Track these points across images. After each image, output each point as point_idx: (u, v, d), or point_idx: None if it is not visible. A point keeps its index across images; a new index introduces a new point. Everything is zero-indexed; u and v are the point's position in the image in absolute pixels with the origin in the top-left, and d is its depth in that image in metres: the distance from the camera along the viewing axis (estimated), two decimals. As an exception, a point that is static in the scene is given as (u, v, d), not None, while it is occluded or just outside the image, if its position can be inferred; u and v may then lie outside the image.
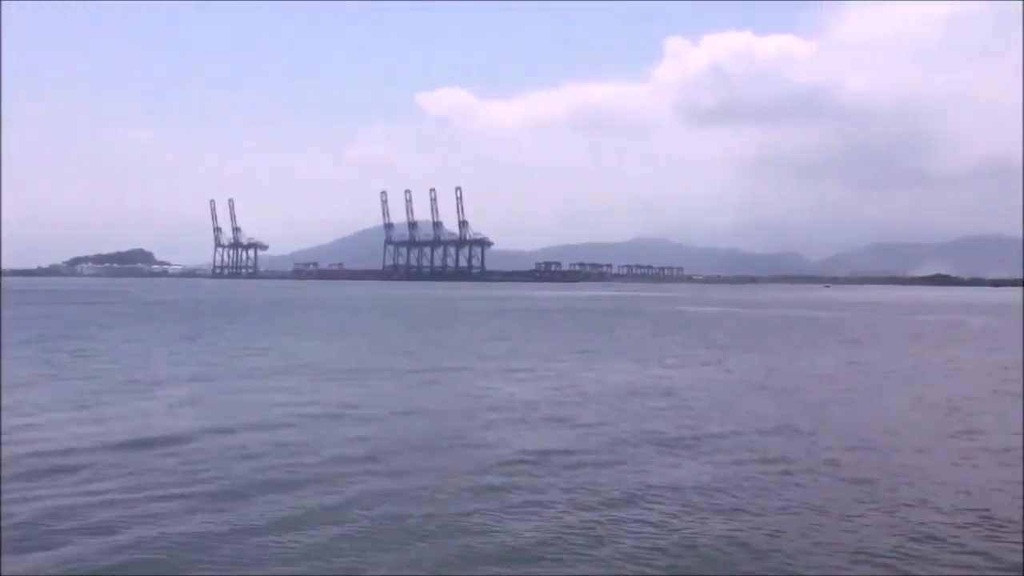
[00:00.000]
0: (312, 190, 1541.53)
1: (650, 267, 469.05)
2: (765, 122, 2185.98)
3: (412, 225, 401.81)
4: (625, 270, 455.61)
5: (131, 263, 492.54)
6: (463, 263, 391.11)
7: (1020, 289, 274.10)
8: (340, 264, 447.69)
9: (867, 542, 10.63)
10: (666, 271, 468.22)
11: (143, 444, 16.30)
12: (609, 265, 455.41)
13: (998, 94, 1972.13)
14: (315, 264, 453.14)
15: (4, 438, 16.38)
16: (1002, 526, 11.41)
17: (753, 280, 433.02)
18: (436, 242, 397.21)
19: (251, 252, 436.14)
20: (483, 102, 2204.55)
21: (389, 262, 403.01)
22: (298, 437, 17.36)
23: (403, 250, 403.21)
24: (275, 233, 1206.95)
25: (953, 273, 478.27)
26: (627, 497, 12.73)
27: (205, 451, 15.81)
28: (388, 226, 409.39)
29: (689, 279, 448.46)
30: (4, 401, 20.84)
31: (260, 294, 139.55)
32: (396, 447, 16.26)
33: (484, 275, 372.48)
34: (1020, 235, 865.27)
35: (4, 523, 11.09)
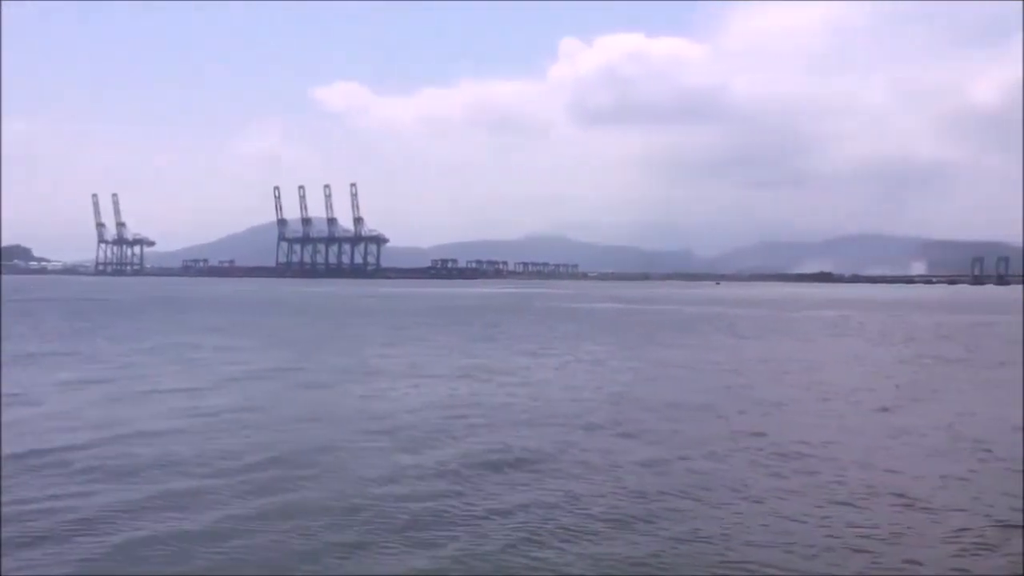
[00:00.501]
0: (203, 186, 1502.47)
1: (546, 264, 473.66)
2: (659, 123, 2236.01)
3: (306, 222, 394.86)
4: (521, 267, 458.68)
5: (8, 260, 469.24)
6: (358, 260, 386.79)
7: (898, 286, 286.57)
8: (231, 261, 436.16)
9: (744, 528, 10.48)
10: (561, 268, 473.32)
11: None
12: (505, 262, 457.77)
13: (875, 99, 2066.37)
14: (205, 261, 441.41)
15: None
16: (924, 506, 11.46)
17: (647, 277, 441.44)
18: (331, 239, 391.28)
19: (137, 248, 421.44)
20: (379, 98, 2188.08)
21: (283, 259, 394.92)
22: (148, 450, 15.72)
23: (297, 247, 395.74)
24: (163, 230, 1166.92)
25: (835, 271, 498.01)
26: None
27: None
28: (281, 222, 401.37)
29: (584, 276, 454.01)
30: None
31: (137, 291, 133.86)
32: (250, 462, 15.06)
33: (380, 272, 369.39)
34: (896, 234, 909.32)
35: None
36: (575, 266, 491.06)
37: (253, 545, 10.20)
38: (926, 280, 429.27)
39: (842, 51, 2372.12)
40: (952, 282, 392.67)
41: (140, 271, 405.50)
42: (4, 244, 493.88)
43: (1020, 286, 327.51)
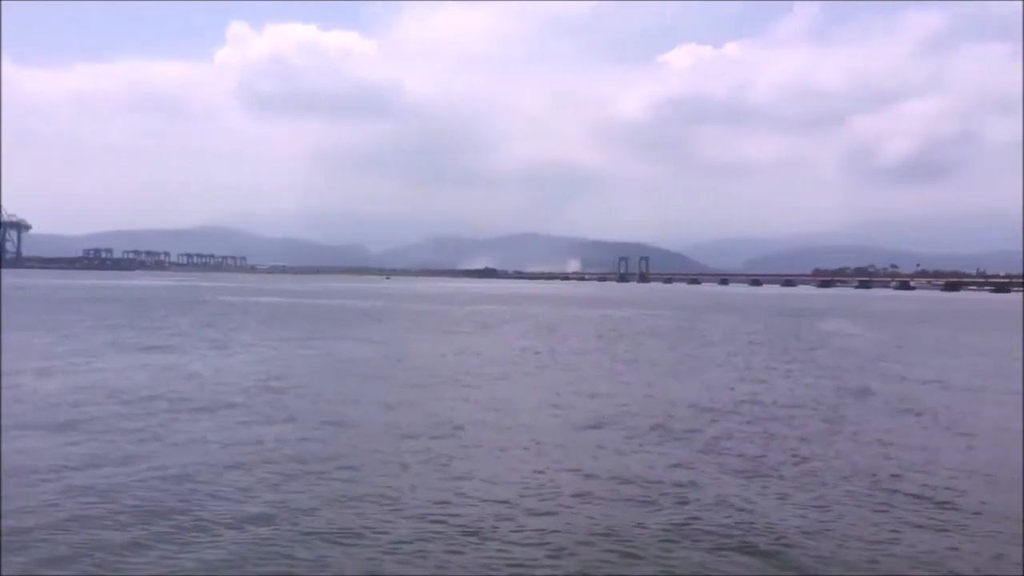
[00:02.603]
0: None
1: (212, 256, 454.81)
2: (330, 116, 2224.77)
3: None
4: (185, 259, 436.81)
5: None
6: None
7: (555, 282, 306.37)
8: None
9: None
10: (229, 260, 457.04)
11: None
12: (167, 253, 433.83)
13: (538, 105, 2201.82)
14: None
15: None
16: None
17: (318, 271, 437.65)
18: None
19: None
20: (24, 70, 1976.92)
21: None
22: None
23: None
24: None
25: (499, 267, 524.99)
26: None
27: None
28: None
29: (253, 269, 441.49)
30: None
31: None
32: None
33: (20, 261, 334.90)
34: (555, 233, 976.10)
35: None
36: (243, 259, 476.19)
37: None
38: (580, 277, 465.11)
39: (508, 57, 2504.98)
40: (602, 279, 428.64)
41: None
42: None
43: (660, 283, 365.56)
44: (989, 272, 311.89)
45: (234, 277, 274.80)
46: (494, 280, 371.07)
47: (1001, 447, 16.06)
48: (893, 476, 13.23)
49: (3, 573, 8.82)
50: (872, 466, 13.88)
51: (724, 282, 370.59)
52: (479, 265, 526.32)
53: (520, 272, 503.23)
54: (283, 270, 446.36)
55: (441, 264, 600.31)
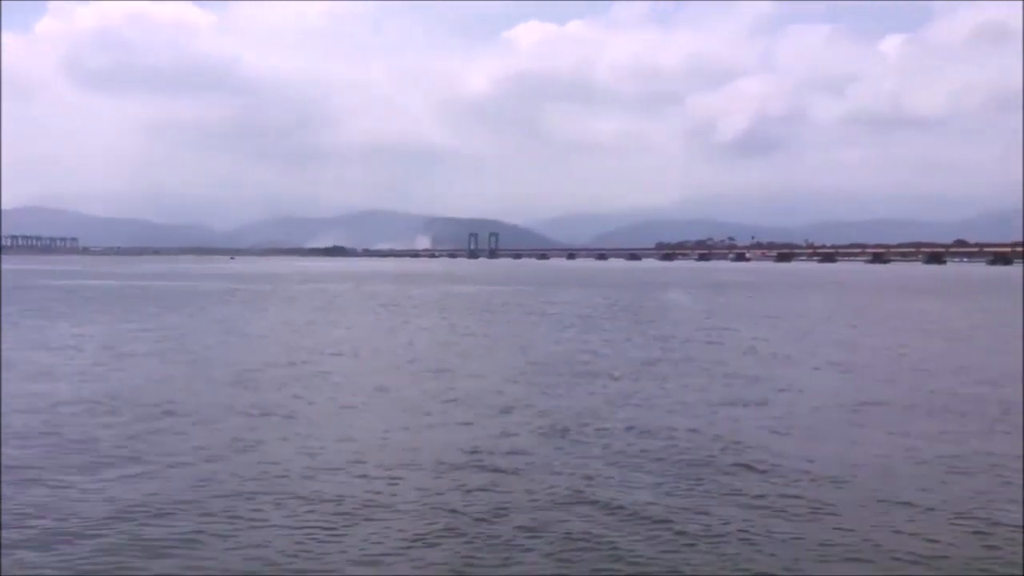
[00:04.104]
0: None
1: (39, 238, 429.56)
2: (166, 91, 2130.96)
3: None
4: (10, 241, 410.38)
5: None
6: None
7: (405, 259, 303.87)
8: None
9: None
10: (59, 242, 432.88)
11: None
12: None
13: (382, 81, 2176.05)
14: None
15: None
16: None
17: (157, 252, 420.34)
18: None
19: None
20: None
21: None
22: None
23: None
24: None
25: (348, 245, 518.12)
26: None
27: None
28: None
29: (85, 251, 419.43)
30: None
31: None
32: None
33: None
34: (405, 210, 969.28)
35: None
36: (74, 240, 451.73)
37: None
38: (430, 254, 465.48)
39: (351, 33, 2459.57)
40: (452, 256, 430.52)
41: None
42: None
43: (510, 259, 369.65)
44: (816, 243, 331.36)
45: (68, 260, 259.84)
46: (343, 259, 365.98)
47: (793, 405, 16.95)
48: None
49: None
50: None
51: (572, 257, 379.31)
52: (327, 243, 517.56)
53: (369, 250, 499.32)
54: (118, 251, 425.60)
55: (288, 243, 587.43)
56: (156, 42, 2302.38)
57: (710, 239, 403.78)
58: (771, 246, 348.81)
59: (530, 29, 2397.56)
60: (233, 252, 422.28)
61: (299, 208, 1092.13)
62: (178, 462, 12.21)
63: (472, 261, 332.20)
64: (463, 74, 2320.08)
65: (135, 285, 78.15)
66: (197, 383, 19.94)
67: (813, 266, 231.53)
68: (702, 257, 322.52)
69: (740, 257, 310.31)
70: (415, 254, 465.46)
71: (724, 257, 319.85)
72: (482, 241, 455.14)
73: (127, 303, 51.46)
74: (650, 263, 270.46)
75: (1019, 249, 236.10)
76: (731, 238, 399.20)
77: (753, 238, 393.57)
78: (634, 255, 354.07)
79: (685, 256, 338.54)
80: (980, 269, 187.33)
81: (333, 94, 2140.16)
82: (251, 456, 12.69)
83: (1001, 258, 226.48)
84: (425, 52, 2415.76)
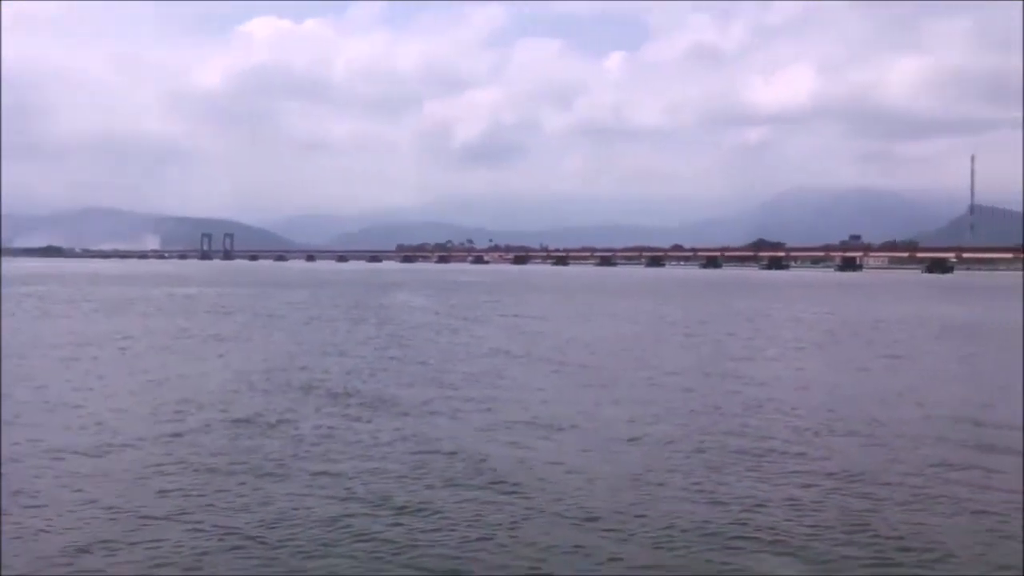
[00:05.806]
0: None
1: None
2: None
3: None
4: None
5: None
6: None
7: (132, 260, 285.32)
8: None
9: None
10: None
11: None
12: None
13: (104, 73, 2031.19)
14: None
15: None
16: None
17: None
18: None
19: None
20: None
21: None
22: None
23: None
24: None
25: (64, 245, 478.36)
26: None
27: None
28: None
29: None
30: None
31: None
32: None
33: None
34: (130, 208, 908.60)
35: None
36: None
37: None
38: (159, 255, 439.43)
39: (70, 22, 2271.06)
40: (183, 257, 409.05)
41: None
42: None
43: (246, 260, 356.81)
44: (551, 247, 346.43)
45: None
46: (59, 259, 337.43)
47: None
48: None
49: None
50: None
51: (311, 258, 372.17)
52: (41, 243, 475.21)
53: (89, 250, 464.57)
54: None
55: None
56: None
57: (450, 242, 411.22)
58: (508, 249, 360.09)
59: (265, 24, 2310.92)
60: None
61: (6, 205, 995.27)
62: None
63: (204, 263, 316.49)
64: (193, 67, 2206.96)
65: None
66: None
67: (547, 268, 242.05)
68: (442, 259, 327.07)
69: (479, 260, 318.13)
70: (143, 255, 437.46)
71: (463, 260, 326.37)
72: (216, 242, 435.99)
73: None
74: (391, 265, 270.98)
75: (727, 254, 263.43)
76: (470, 241, 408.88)
77: (491, 241, 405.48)
78: (375, 257, 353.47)
79: (426, 259, 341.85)
80: (693, 272, 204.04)
81: (47, 84, 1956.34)
82: None
83: (712, 262, 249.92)
84: (154, 45, 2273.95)
